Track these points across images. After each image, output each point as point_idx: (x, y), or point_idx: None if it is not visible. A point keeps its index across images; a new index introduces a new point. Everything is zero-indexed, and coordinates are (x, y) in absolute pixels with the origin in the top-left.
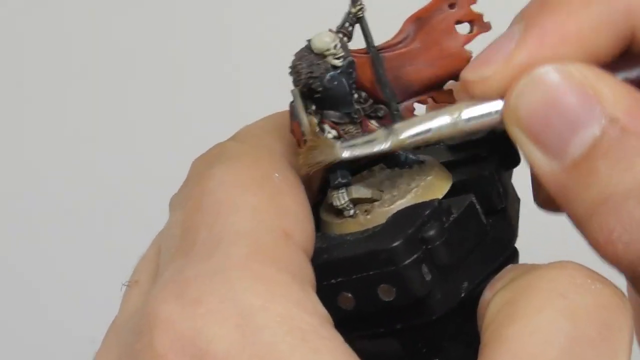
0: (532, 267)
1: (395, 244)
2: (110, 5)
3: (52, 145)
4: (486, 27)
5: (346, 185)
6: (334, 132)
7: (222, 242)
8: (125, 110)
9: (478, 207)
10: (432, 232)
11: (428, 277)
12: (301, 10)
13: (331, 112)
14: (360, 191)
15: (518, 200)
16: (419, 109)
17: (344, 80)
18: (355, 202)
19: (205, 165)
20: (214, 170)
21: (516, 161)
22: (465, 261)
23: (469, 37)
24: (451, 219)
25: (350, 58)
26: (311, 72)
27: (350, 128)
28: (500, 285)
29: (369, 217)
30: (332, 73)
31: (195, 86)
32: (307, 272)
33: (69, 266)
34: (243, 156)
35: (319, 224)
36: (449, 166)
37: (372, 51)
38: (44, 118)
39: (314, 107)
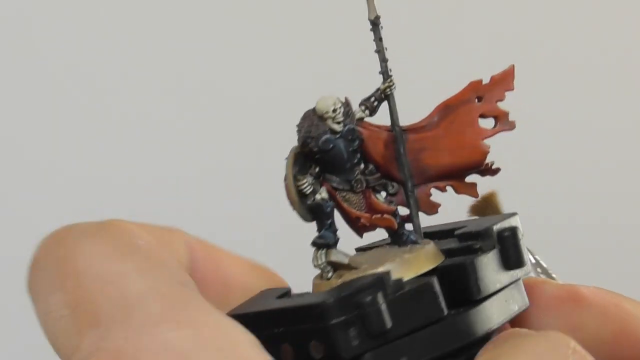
0: (523, 332)
1: (325, 301)
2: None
3: (53, 146)
4: (510, 125)
5: (324, 246)
6: (323, 195)
7: (131, 305)
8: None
9: (436, 289)
10: (367, 299)
11: (355, 342)
12: None
13: (332, 177)
14: (338, 256)
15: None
16: (436, 194)
17: (341, 146)
18: (334, 266)
19: (58, 246)
20: (76, 247)
21: (520, 263)
22: (408, 337)
23: (490, 133)
24: (400, 292)
25: (351, 126)
26: (309, 132)
27: (351, 196)
28: (492, 347)
29: (339, 281)
30: (328, 136)
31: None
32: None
33: None
34: (99, 232)
35: None
36: (449, 253)
37: (396, 130)
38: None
39: (317, 169)
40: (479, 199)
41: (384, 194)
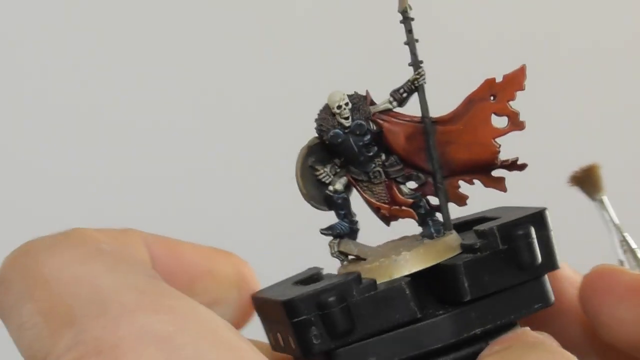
0: (529, 342)
1: (285, 299)
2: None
3: (52, 146)
4: (520, 125)
5: (336, 236)
6: (336, 186)
7: (104, 299)
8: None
9: (407, 293)
10: (330, 299)
11: (317, 340)
12: None
13: (352, 168)
14: (347, 246)
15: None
16: (464, 187)
17: (350, 140)
18: (348, 256)
19: (23, 259)
20: (41, 257)
21: (532, 262)
22: (378, 337)
23: (500, 132)
24: (368, 294)
25: (359, 121)
26: (321, 125)
27: (374, 187)
28: (498, 349)
29: (344, 272)
30: (336, 130)
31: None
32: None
33: None
34: (62, 241)
35: None
36: (464, 249)
37: (426, 122)
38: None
39: (342, 159)
40: (579, 169)
41: (410, 184)
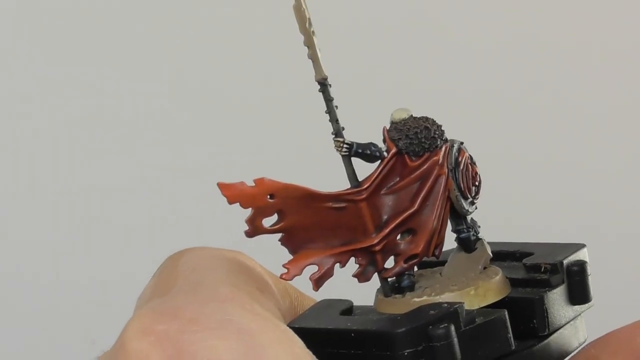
0: None
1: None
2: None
3: (52, 147)
4: None
5: None
6: None
7: (203, 284)
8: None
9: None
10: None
11: None
12: None
13: None
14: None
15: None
16: None
17: None
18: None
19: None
20: (185, 253)
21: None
22: None
23: None
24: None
25: None
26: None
27: None
28: None
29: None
30: None
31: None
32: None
33: (69, 266)
34: (215, 251)
35: None
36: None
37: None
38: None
39: None
40: None
41: None
